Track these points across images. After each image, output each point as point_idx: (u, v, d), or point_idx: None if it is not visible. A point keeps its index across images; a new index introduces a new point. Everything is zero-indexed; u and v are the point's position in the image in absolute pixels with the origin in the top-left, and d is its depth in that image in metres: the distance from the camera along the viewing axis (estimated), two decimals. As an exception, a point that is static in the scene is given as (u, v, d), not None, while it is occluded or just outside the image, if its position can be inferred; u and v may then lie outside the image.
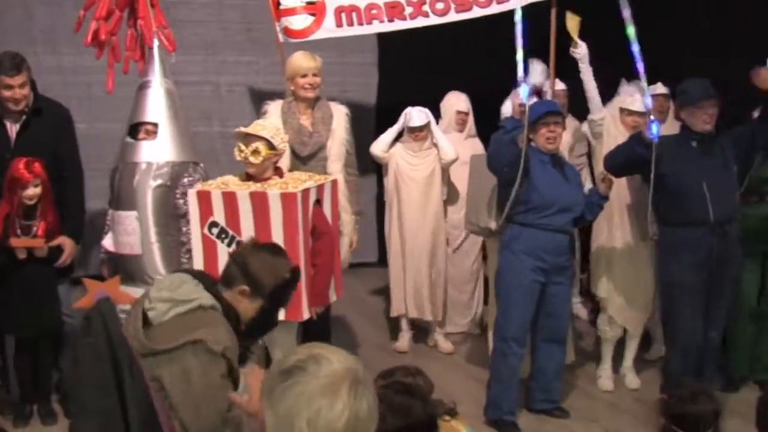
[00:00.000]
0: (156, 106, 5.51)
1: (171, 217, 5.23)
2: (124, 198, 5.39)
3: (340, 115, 5.81)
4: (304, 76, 5.67)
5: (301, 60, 5.72)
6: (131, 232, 5.32)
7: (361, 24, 6.57)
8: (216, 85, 8.42)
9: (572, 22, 5.59)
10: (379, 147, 6.51)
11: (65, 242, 5.27)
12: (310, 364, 1.95)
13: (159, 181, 5.33)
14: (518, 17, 5.01)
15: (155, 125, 5.44)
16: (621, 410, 5.58)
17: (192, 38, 8.07)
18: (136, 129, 5.50)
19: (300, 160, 5.61)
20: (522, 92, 4.97)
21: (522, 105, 5.01)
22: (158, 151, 5.40)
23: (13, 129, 5.32)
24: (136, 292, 5.21)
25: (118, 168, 5.51)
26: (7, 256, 5.10)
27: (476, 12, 6.42)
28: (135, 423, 3.00)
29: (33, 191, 5.04)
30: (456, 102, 6.79)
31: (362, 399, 1.94)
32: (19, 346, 5.40)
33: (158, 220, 5.31)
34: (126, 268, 5.40)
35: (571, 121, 6.41)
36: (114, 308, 3.12)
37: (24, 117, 5.31)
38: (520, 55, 4.96)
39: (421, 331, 6.92)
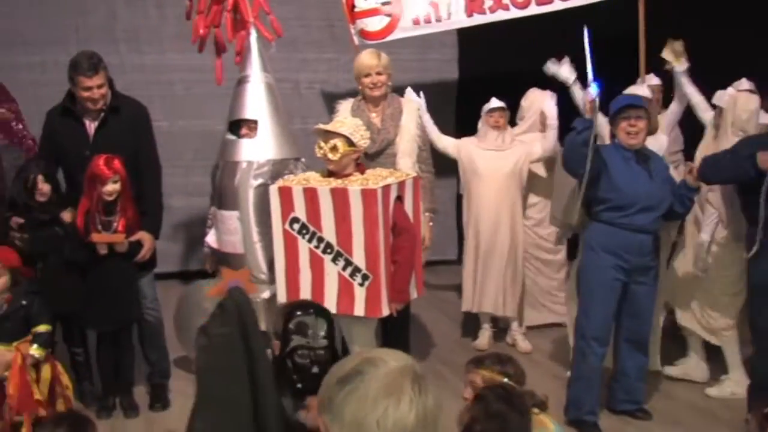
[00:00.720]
0: (256, 103, 5.51)
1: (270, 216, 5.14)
2: (226, 197, 5.43)
3: (411, 111, 5.76)
4: (368, 75, 5.65)
5: (363, 59, 5.70)
6: (233, 231, 5.37)
7: (439, 21, 6.53)
8: (296, 83, 8.47)
9: (673, 48, 5.44)
10: (439, 142, 6.40)
11: (144, 237, 5.32)
12: (366, 367, 1.93)
13: (260, 180, 5.35)
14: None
15: (256, 122, 5.44)
16: (704, 413, 5.42)
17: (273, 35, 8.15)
18: (237, 126, 5.51)
19: (368, 157, 5.57)
20: (592, 90, 4.74)
21: (592, 101, 4.79)
22: (259, 150, 5.42)
23: (91, 127, 5.38)
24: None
25: (219, 165, 5.52)
26: (89, 252, 5.17)
27: (557, 5, 6.33)
28: (267, 413, 3.00)
29: (112, 187, 5.09)
30: (541, 101, 6.67)
31: (427, 393, 1.92)
32: (101, 340, 5.49)
33: (260, 220, 5.32)
34: (229, 264, 5.45)
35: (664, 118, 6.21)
36: (247, 297, 3.12)
37: (102, 115, 5.37)
38: (588, 56, 4.75)
39: (500, 330, 6.84)
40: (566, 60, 6.15)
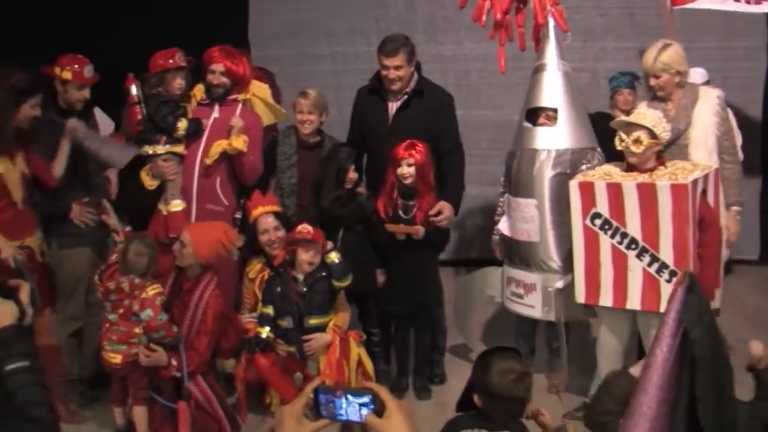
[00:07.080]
0: (554, 91, 5.38)
1: (567, 206, 5.00)
2: (522, 185, 5.35)
3: (707, 99, 5.36)
4: (647, 76, 5.33)
5: (643, 57, 5.35)
6: (529, 219, 5.29)
7: (759, 2, 6.11)
8: (594, 72, 8.17)
9: None
10: None
11: (443, 206, 5.46)
12: None
13: (558, 170, 5.23)
14: None
15: (555, 111, 5.36)
16: None
17: (568, 25, 7.99)
18: (534, 114, 5.44)
19: None
20: None
21: None
22: (557, 138, 5.30)
23: (392, 107, 5.69)
24: (529, 277, 5.32)
25: (515, 154, 5.47)
26: (388, 235, 5.36)
27: None
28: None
29: (407, 170, 5.32)
30: None
31: None
32: (398, 321, 5.62)
33: (555, 209, 5.21)
34: (520, 252, 5.41)
35: None
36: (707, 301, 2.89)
37: (405, 97, 5.64)
38: None
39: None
40: None
